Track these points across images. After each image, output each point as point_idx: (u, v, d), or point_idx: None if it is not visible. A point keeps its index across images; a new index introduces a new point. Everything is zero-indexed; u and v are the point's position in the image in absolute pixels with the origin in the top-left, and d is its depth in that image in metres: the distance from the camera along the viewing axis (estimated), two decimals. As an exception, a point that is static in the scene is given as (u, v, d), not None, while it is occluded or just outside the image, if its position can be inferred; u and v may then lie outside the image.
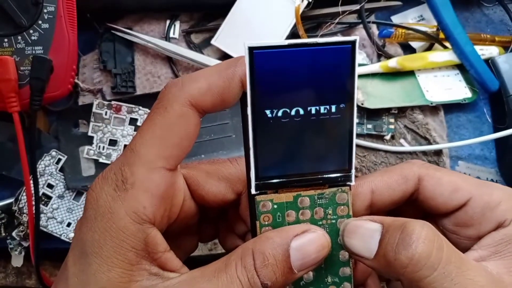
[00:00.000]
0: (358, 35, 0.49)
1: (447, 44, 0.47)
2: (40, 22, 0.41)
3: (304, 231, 0.22)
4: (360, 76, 0.46)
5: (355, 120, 0.22)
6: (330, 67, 0.20)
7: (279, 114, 0.21)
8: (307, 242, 0.22)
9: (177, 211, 0.24)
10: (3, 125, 0.45)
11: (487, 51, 0.48)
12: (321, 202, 0.23)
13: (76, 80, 0.45)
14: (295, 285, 0.24)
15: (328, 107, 0.21)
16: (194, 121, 0.22)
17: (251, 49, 0.20)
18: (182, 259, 0.23)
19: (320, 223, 0.23)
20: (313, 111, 0.21)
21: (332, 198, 0.23)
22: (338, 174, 0.23)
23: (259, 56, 0.20)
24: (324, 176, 0.23)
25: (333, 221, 0.23)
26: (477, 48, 0.46)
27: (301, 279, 0.24)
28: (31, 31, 0.41)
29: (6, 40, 0.40)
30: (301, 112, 0.21)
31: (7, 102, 0.40)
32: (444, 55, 0.47)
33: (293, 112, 0.21)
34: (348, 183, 0.23)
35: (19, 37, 0.41)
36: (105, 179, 0.21)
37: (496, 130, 0.47)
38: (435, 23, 0.47)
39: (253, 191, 0.22)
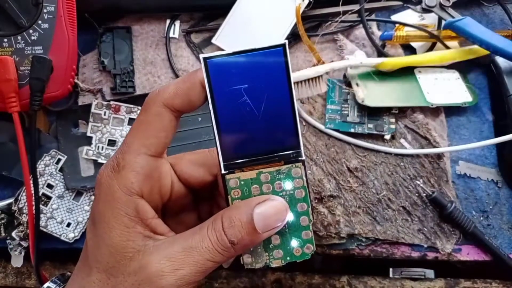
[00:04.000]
0: (341, 38, 0.49)
1: (449, 43, 0.47)
2: (40, 22, 0.41)
3: (266, 199, 0.27)
4: (360, 75, 0.47)
5: (296, 104, 0.27)
6: (268, 65, 0.26)
7: (235, 106, 0.26)
8: (267, 208, 0.26)
9: (167, 191, 0.30)
10: (3, 125, 0.45)
11: (487, 50, 0.47)
12: (280, 177, 0.27)
13: (76, 80, 0.45)
14: (265, 248, 0.28)
15: (272, 96, 0.26)
16: (168, 117, 0.27)
17: (205, 59, 0.26)
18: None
19: (281, 194, 0.27)
20: (263, 100, 0.26)
21: (288, 173, 0.27)
22: (290, 151, 0.27)
23: (211, 63, 0.26)
24: (279, 154, 0.27)
25: (292, 192, 0.28)
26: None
27: (270, 242, 0.28)
28: (31, 31, 0.41)
29: (6, 40, 0.41)
30: (252, 102, 0.26)
31: (7, 102, 0.40)
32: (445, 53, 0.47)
33: (245, 104, 0.26)
34: (300, 158, 0.27)
35: (19, 37, 0.41)
36: (106, 165, 0.27)
37: (496, 129, 0.47)
38: (435, 23, 0.47)
39: (222, 171, 0.27)
